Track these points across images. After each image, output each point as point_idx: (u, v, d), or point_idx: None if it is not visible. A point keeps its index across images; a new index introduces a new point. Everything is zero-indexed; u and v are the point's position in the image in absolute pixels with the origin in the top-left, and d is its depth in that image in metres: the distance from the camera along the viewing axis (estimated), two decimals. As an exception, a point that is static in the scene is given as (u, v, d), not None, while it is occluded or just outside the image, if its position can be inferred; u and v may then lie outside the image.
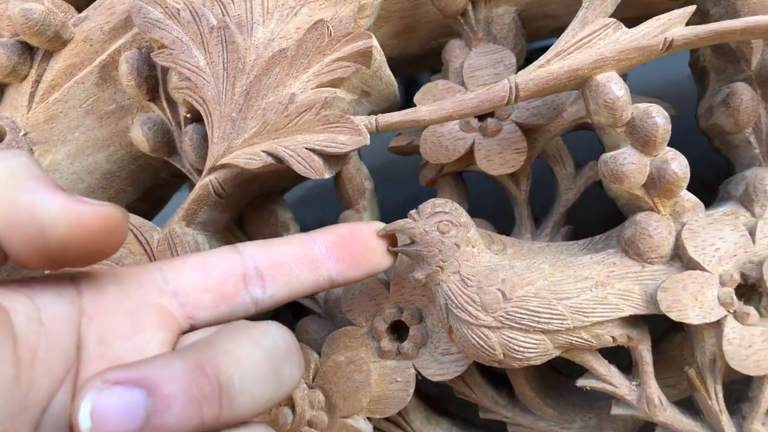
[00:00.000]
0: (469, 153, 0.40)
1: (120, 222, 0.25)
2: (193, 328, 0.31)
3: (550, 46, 0.34)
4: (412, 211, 0.35)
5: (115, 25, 0.41)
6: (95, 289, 0.28)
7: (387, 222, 0.35)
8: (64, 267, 0.26)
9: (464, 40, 0.41)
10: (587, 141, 0.43)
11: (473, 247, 0.35)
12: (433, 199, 0.35)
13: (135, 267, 0.31)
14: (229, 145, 0.36)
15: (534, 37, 0.44)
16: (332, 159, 0.36)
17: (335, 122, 0.35)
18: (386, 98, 0.41)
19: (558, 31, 0.41)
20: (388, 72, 0.39)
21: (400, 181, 0.64)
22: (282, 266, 0.33)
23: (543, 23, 0.42)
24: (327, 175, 0.36)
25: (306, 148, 0.35)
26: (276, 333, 0.28)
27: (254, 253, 0.33)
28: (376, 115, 0.39)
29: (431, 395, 0.45)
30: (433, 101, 0.40)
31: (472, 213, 0.43)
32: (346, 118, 0.35)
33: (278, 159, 0.35)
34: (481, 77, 0.40)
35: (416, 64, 0.48)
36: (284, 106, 0.35)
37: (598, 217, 0.42)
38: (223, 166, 0.37)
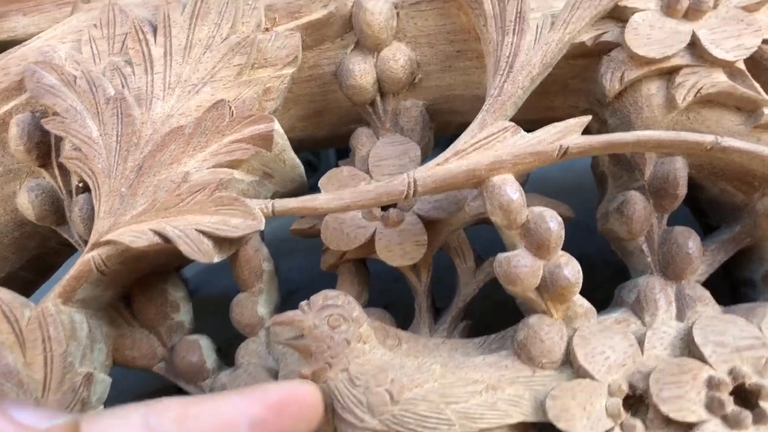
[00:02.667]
0: (371, 241, 0.39)
1: None
2: None
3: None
4: (303, 303, 0.34)
5: (8, 86, 0.39)
6: None
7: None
8: None
9: (372, 129, 0.41)
10: (491, 234, 0.43)
11: (365, 343, 0.34)
12: (325, 291, 0.34)
13: None
14: (115, 220, 0.34)
15: (442, 130, 0.44)
16: (224, 242, 0.35)
17: (229, 204, 0.34)
18: (291, 180, 0.41)
19: (464, 126, 0.42)
20: (292, 155, 0.39)
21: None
22: None
23: (450, 118, 0.42)
24: (216, 259, 0.34)
25: (196, 230, 0.34)
26: None
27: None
28: (278, 196, 0.38)
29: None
30: (338, 187, 0.40)
31: (374, 300, 0.42)
32: (241, 201, 0.34)
33: (166, 239, 0.34)
34: (386, 167, 0.40)
35: (327, 144, 0.48)
36: (177, 184, 0.34)
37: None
38: (108, 243, 0.35)
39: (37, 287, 0.50)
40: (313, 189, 0.40)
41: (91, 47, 0.37)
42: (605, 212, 0.39)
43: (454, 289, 0.42)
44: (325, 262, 0.42)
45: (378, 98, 0.40)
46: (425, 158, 0.41)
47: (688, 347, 0.33)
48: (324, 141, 0.45)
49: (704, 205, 0.41)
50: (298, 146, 0.44)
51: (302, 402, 0.30)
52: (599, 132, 0.39)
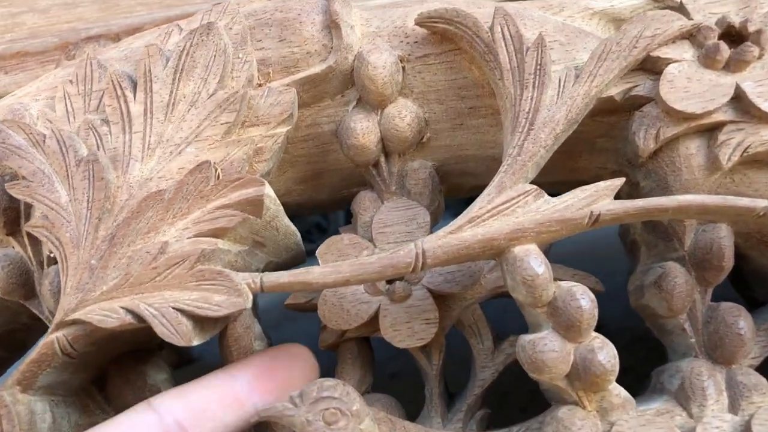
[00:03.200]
0: (374, 318, 0.35)
1: None
2: None
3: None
4: (294, 393, 0.29)
5: (-27, 147, 0.36)
6: None
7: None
8: None
9: (376, 192, 0.37)
10: (509, 308, 0.38)
11: (366, 441, 0.29)
12: (321, 380, 0.30)
13: None
14: (83, 297, 0.30)
15: (454, 193, 0.41)
16: (206, 321, 0.30)
17: (211, 279, 0.30)
18: (286, 248, 0.37)
19: (479, 189, 0.38)
20: (286, 221, 0.35)
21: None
22: (204, 413, 0.31)
23: (462, 180, 0.39)
24: (196, 342, 0.30)
25: (173, 308, 0.30)
26: None
27: (171, 405, 0.31)
28: (273, 267, 0.35)
29: None
30: (337, 257, 0.36)
31: (379, 366, 0.38)
32: (224, 275, 0.30)
33: (139, 318, 0.30)
34: (391, 234, 0.36)
35: (328, 208, 0.45)
36: (153, 256, 0.30)
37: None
38: (74, 322, 0.31)
39: (10, 365, 0.46)
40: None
41: (66, 104, 0.34)
42: (639, 285, 0.35)
43: (468, 365, 0.38)
44: (323, 341, 0.38)
45: (382, 159, 0.36)
46: (435, 225, 0.37)
47: (748, 447, 0.29)
48: (324, 204, 0.42)
49: (749, 277, 0.37)
50: (296, 210, 0.40)
51: (283, 362, 0.34)
52: (630, 196, 0.35)
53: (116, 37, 0.47)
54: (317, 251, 0.36)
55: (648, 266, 0.35)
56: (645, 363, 0.38)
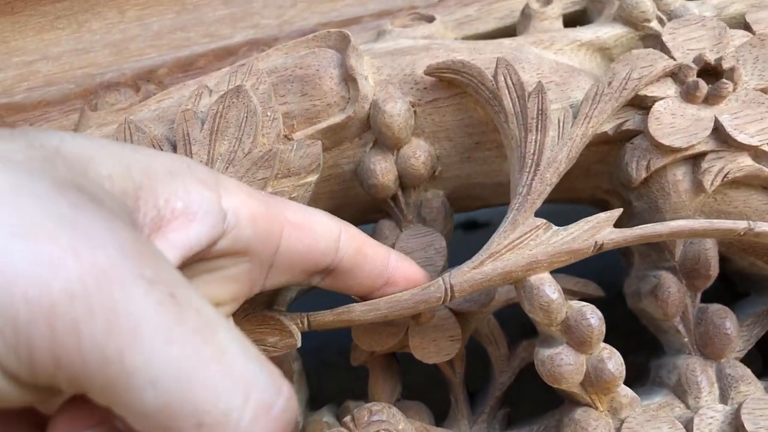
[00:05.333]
0: (403, 338, 0.39)
1: None
2: None
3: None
4: (347, 419, 0.33)
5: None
6: None
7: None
8: None
9: (394, 221, 0.41)
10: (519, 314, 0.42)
11: (411, 453, 0.33)
12: (368, 405, 0.34)
13: None
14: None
15: (463, 210, 0.44)
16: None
17: (264, 323, 0.33)
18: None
19: (485, 207, 0.42)
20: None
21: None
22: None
23: (470, 203, 0.42)
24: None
25: (233, 351, 0.33)
26: None
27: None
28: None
29: None
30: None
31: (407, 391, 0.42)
32: (275, 319, 0.33)
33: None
34: (412, 260, 0.39)
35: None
36: (209, 305, 0.33)
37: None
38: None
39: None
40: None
41: (111, 167, 0.37)
42: (636, 290, 0.39)
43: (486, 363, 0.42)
44: (355, 360, 0.41)
45: (399, 192, 0.40)
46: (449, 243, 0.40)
47: (738, 432, 0.33)
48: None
49: (732, 276, 0.41)
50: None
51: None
52: (623, 210, 0.39)
53: (131, 82, 0.49)
54: (345, 279, 0.40)
55: (643, 273, 0.39)
56: (627, 320, 0.41)
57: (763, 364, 0.42)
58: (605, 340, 0.34)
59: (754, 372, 0.36)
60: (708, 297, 0.38)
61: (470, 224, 0.64)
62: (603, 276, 0.43)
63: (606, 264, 0.42)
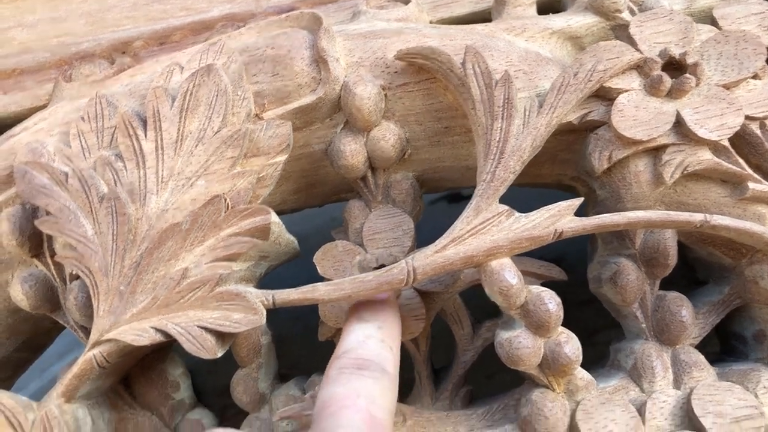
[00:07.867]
0: (369, 316, 0.39)
1: None
2: None
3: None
4: (308, 395, 0.34)
5: (-4, 180, 0.39)
6: None
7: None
8: None
9: (364, 201, 0.41)
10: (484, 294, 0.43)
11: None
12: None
13: None
14: (116, 319, 0.34)
15: (433, 191, 0.44)
16: (226, 336, 0.35)
17: (229, 300, 0.34)
18: (285, 254, 0.41)
19: (454, 188, 0.42)
20: (287, 236, 0.39)
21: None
22: None
23: (439, 184, 0.43)
24: (219, 354, 0.34)
25: (198, 326, 0.34)
26: None
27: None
28: (272, 269, 0.39)
29: None
30: (333, 263, 0.40)
31: None
32: (241, 297, 0.34)
33: (168, 336, 0.34)
34: (380, 240, 0.40)
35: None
36: (176, 281, 0.34)
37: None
38: (109, 341, 0.35)
39: (30, 364, 0.49)
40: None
41: (80, 141, 0.37)
42: (597, 276, 0.40)
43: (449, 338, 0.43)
44: (322, 335, 0.42)
45: (369, 173, 0.40)
46: (417, 222, 0.41)
47: (688, 416, 0.34)
48: (318, 206, 0.46)
49: (692, 263, 0.42)
50: (291, 213, 0.44)
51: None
52: (587, 197, 0.40)
53: (107, 53, 0.49)
54: (314, 257, 0.40)
55: (605, 259, 0.40)
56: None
57: (720, 347, 0.43)
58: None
59: (709, 355, 0.38)
60: (669, 283, 0.39)
61: (455, 197, 0.65)
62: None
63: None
